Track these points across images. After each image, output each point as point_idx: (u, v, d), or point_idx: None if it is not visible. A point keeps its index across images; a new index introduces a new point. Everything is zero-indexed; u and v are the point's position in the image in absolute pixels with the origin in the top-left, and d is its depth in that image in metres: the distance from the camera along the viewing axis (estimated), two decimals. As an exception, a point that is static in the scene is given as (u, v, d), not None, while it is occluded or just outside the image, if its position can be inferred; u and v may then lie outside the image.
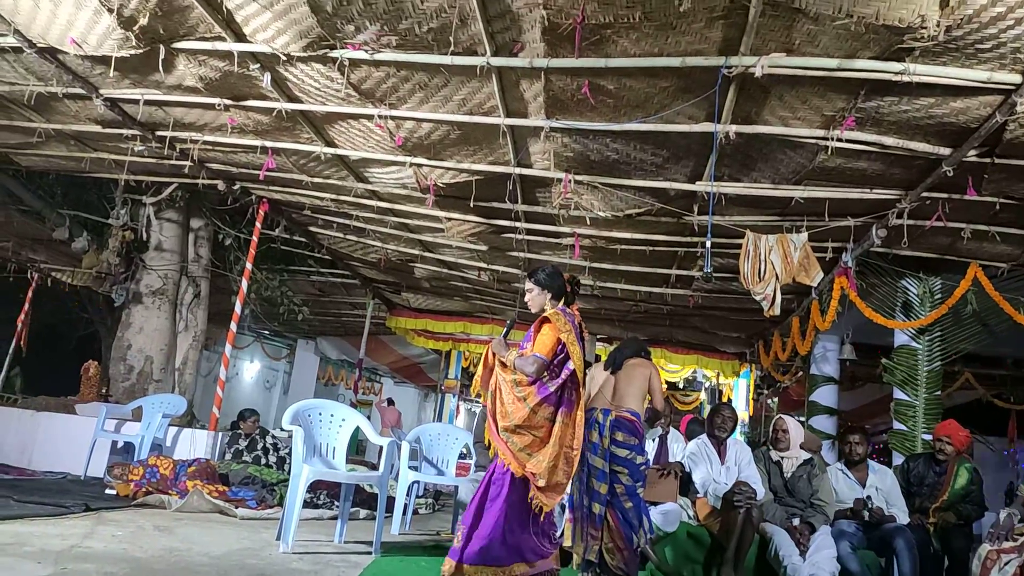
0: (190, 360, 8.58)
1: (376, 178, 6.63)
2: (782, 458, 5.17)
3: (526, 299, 3.99)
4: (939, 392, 6.59)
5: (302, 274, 10.69)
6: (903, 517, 4.99)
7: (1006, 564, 3.81)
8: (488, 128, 5.19)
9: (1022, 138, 4.21)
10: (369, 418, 16.06)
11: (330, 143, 6.03)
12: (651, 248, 7.16)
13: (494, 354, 3.85)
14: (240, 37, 4.56)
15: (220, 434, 7.29)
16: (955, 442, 5.24)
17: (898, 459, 6.41)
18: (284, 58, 4.62)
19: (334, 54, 4.48)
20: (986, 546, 4.00)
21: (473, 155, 5.77)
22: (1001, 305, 5.86)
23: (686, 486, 5.33)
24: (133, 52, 4.76)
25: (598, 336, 12.08)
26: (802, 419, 8.53)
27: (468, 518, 3.64)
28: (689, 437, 6.03)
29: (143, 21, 4.40)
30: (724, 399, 13.75)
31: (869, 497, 5.01)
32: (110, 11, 4.33)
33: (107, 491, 6.01)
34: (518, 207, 6.53)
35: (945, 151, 4.53)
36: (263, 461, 6.86)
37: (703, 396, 16.02)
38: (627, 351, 4.74)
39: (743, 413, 12.87)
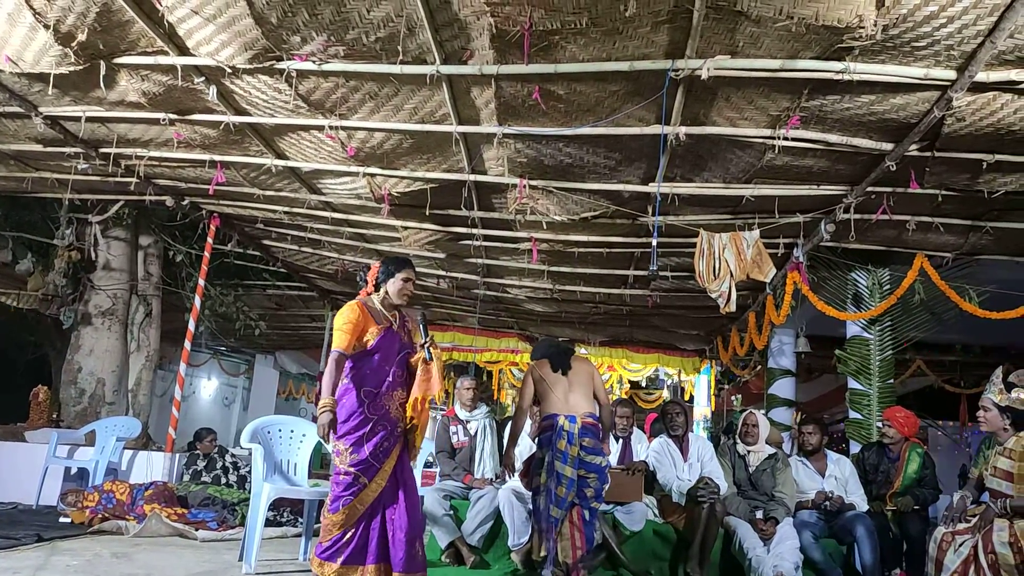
0: (143, 381, 8.38)
1: (329, 189, 6.56)
2: (749, 452, 5.25)
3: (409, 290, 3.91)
4: (892, 380, 6.75)
5: (258, 288, 10.52)
6: (862, 504, 5.11)
7: (961, 545, 3.91)
8: (441, 136, 5.17)
9: (960, 132, 4.34)
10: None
11: (281, 155, 5.94)
12: (608, 250, 7.22)
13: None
14: (183, 51, 4.47)
15: (177, 455, 7.13)
16: (895, 424, 5.39)
17: (855, 447, 6.55)
18: (229, 71, 4.54)
19: (281, 65, 4.42)
20: (941, 529, 4.10)
21: (427, 163, 5.75)
22: (947, 293, 6.04)
23: (651, 484, 5.39)
24: (72, 68, 4.63)
25: (560, 339, 12.13)
26: (762, 412, 8.68)
27: (412, 527, 3.59)
28: (655, 436, 6.09)
29: (81, 37, 4.29)
30: (686, 396, 13.91)
31: (832, 491, 5.11)
32: (46, 27, 4.20)
33: (61, 519, 5.84)
34: (474, 214, 6.53)
35: (887, 146, 4.65)
36: (223, 481, 6.73)
37: (666, 394, 16.19)
38: (564, 348, 4.67)
39: (705, 409, 13.03)
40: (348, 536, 3.53)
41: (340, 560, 3.51)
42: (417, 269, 8.72)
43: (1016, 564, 3.62)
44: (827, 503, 5.02)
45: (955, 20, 3.42)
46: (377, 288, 3.84)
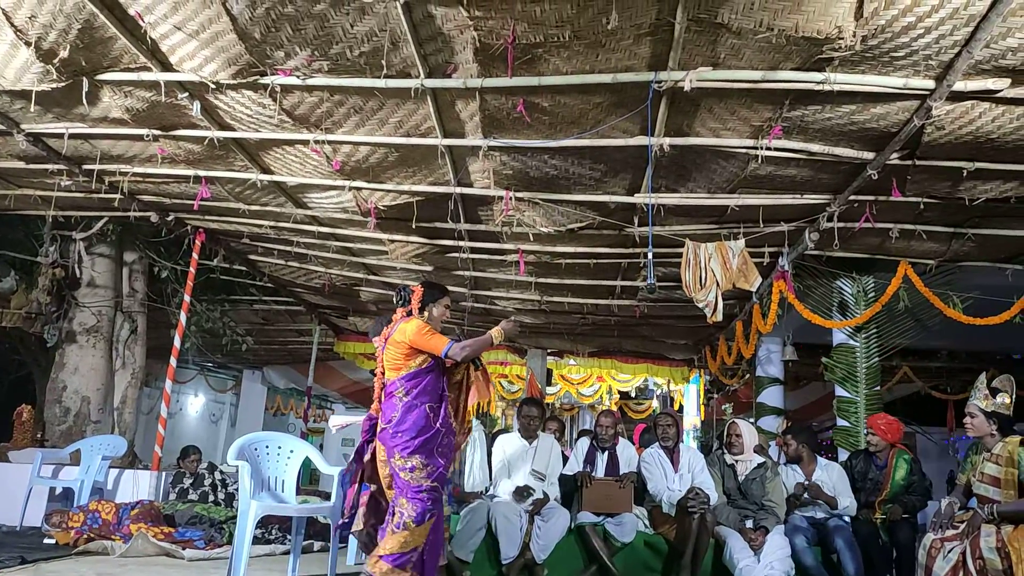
0: (129, 398, 8.30)
1: (315, 203, 6.55)
2: (736, 461, 5.26)
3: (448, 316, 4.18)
4: (878, 387, 6.79)
5: (244, 303, 10.46)
6: (852, 506, 5.13)
7: (950, 551, 3.92)
8: (426, 149, 5.18)
9: (939, 140, 4.39)
10: (322, 448, 15.78)
11: (266, 170, 5.93)
12: (595, 261, 7.23)
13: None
14: (166, 66, 4.45)
15: (164, 474, 7.06)
16: (877, 432, 5.43)
17: (843, 455, 6.57)
18: (213, 86, 4.53)
19: (265, 80, 4.42)
20: (930, 535, 4.11)
21: (413, 176, 5.75)
22: (931, 300, 6.08)
23: (641, 495, 5.38)
24: (55, 85, 4.60)
25: (548, 351, 12.11)
26: (751, 420, 8.70)
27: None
28: (644, 446, 6.09)
29: (63, 54, 4.27)
30: (676, 406, 13.92)
31: (810, 482, 5.15)
32: (28, 44, 4.18)
33: (45, 541, 5.75)
34: (461, 226, 6.53)
35: (869, 155, 4.70)
36: (211, 498, 6.67)
37: (655, 404, 16.19)
38: None
39: (695, 418, 13.04)
40: (422, 548, 3.70)
41: (410, 569, 3.67)
42: (404, 282, 8.77)
43: (1004, 569, 3.63)
44: (805, 494, 5.06)
45: (932, 30, 3.47)
46: (421, 311, 4.01)
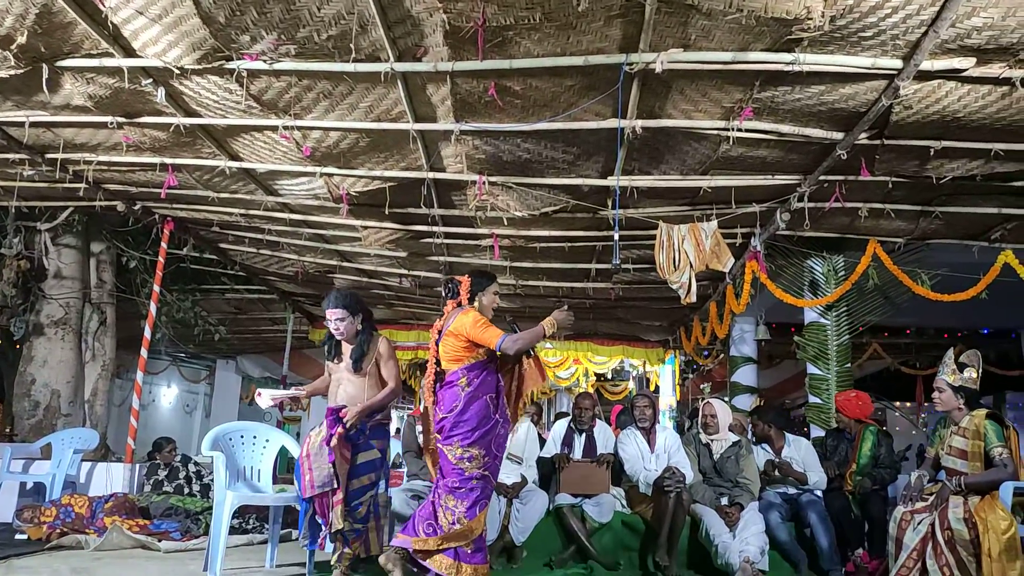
0: (100, 391, 8.18)
1: (286, 190, 6.47)
2: (711, 440, 5.32)
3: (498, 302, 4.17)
4: (849, 364, 6.90)
5: (216, 292, 10.33)
6: (822, 480, 5.24)
7: (919, 523, 4.01)
8: (397, 134, 5.13)
9: (907, 119, 4.44)
10: (298, 436, 15.70)
11: (234, 157, 5.84)
12: (570, 244, 7.24)
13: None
14: (129, 52, 4.35)
15: (137, 466, 6.98)
16: (839, 407, 5.61)
17: (816, 431, 6.68)
18: (177, 72, 4.44)
19: (231, 65, 4.33)
20: (900, 508, 4.19)
21: (385, 161, 5.70)
22: (900, 278, 6.18)
23: (618, 476, 5.42)
24: (13, 73, 4.49)
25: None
26: (726, 399, 8.80)
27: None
28: (621, 427, 6.13)
29: (21, 39, 4.16)
30: (652, 387, 14.03)
31: (780, 460, 5.27)
32: (-17, 30, 4.08)
33: (17, 536, 5.67)
34: (434, 211, 6.49)
35: (838, 135, 4.74)
36: (187, 490, 6.61)
37: (631, 385, 16.30)
38: None
39: (671, 398, 13.16)
40: (483, 531, 3.78)
41: (486, 556, 3.79)
42: (378, 268, 8.73)
43: (971, 539, 3.73)
44: (776, 471, 5.17)
45: (899, 10, 3.50)
46: (471, 301, 4.01)
